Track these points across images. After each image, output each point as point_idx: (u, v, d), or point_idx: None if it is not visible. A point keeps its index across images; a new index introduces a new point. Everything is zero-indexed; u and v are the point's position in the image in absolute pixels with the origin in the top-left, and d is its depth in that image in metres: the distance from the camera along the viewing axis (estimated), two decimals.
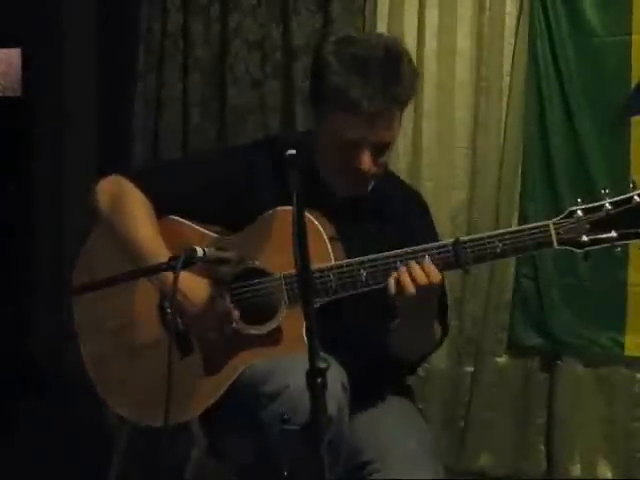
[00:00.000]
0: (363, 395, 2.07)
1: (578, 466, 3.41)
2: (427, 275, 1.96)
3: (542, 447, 3.47)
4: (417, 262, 1.97)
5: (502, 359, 3.48)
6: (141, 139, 3.73)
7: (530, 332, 3.42)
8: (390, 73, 2.01)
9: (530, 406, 3.47)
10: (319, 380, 1.56)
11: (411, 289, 1.95)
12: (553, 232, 1.94)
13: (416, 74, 2.08)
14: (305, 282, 1.66)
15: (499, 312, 3.46)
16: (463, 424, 3.53)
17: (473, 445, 3.50)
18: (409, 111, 3.45)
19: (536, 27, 3.33)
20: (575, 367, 3.40)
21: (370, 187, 2.19)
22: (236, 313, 2.09)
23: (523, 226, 1.99)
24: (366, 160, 2.05)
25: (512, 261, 3.40)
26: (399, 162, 3.49)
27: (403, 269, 1.97)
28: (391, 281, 1.97)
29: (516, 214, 3.41)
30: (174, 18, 3.68)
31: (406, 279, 1.96)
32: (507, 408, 3.49)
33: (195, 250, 1.95)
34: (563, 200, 3.27)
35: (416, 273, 1.96)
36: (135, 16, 3.71)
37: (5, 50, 4.27)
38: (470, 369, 3.51)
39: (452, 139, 3.50)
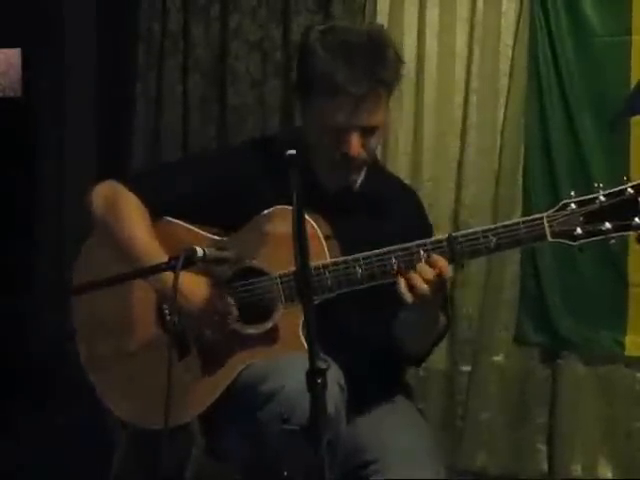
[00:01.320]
0: (363, 395, 2.07)
1: (579, 466, 3.41)
2: (436, 268, 1.95)
3: (542, 446, 3.47)
4: (421, 259, 1.97)
5: (500, 358, 3.48)
6: (141, 139, 3.73)
7: (533, 330, 3.42)
8: (374, 56, 2.03)
9: (530, 405, 3.47)
10: (319, 380, 1.56)
11: (426, 291, 1.95)
12: (547, 225, 1.94)
13: (400, 60, 2.11)
14: (304, 282, 1.66)
15: (498, 311, 3.46)
16: (462, 424, 3.52)
17: (472, 445, 3.49)
18: (409, 111, 3.47)
19: (536, 27, 3.33)
20: (576, 366, 3.40)
21: (361, 179, 2.19)
22: (234, 311, 2.10)
23: (516, 219, 1.98)
24: (355, 144, 2.06)
25: (510, 259, 3.40)
26: (399, 161, 3.49)
27: (412, 274, 1.96)
28: (403, 289, 1.96)
29: (517, 214, 3.40)
30: (174, 18, 3.68)
31: (418, 282, 1.95)
32: (507, 407, 3.49)
33: (195, 250, 1.95)
34: (563, 199, 3.26)
35: (425, 273, 1.95)
36: (135, 16, 3.71)
37: (5, 50, 4.27)
38: (469, 368, 3.51)
39: (452, 139, 3.49)
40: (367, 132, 2.08)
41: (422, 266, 1.96)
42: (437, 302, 2.03)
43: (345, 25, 2.13)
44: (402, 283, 1.97)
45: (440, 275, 1.95)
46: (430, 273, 1.95)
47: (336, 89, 2.01)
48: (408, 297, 1.96)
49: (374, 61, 2.03)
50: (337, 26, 2.10)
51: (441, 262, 1.96)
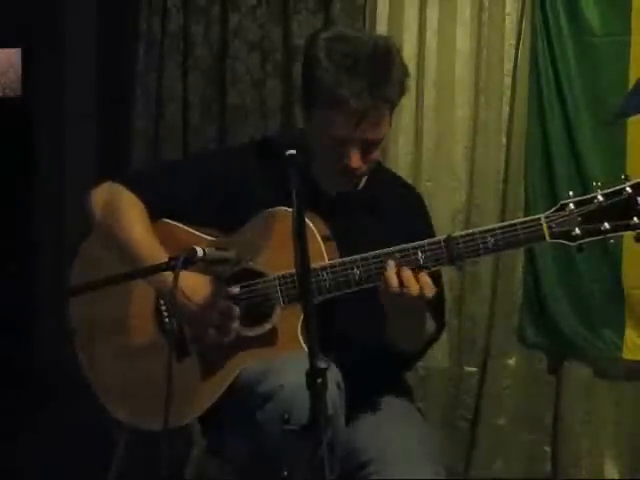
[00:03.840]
0: (362, 395, 2.07)
1: (585, 468, 3.41)
2: (420, 286, 1.95)
3: (548, 448, 3.47)
4: (412, 270, 1.97)
5: (511, 361, 3.48)
6: (141, 139, 3.73)
7: (534, 332, 3.42)
8: (379, 72, 2.01)
9: (536, 407, 3.47)
10: (319, 380, 1.57)
11: (400, 297, 1.95)
12: (545, 226, 1.94)
13: (406, 73, 2.09)
14: (304, 283, 1.66)
15: (508, 314, 3.45)
16: (464, 424, 3.52)
17: (481, 446, 3.49)
18: (409, 111, 3.46)
19: (536, 27, 3.33)
20: (581, 369, 3.40)
21: (362, 183, 2.19)
22: (236, 310, 2.10)
23: (515, 220, 1.98)
24: (355, 158, 2.06)
25: (520, 263, 3.41)
26: (399, 162, 3.49)
27: (392, 269, 1.96)
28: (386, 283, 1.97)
29: (520, 214, 3.40)
30: (174, 18, 3.68)
31: (395, 284, 1.96)
32: (515, 410, 3.49)
33: (195, 250, 1.95)
34: (562, 199, 3.26)
35: (409, 282, 1.95)
36: (135, 16, 3.71)
37: (5, 50, 4.27)
38: (471, 369, 3.51)
39: (452, 139, 3.49)
40: (368, 145, 2.07)
41: (408, 275, 1.96)
42: (413, 312, 2.02)
43: (351, 34, 2.08)
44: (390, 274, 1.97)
45: (421, 293, 1.95)
46: (413, 285, 1.95)
47: (339, 103, 2.00)
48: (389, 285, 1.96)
49: (378, 76, 2.01)
50: (343, 35, 2.07)
51: (424, 279, 1.96)
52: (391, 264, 1.97)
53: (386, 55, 2.04)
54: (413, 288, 1.95)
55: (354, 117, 2.01)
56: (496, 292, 3.46)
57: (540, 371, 3.47)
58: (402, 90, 2.08)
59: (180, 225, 2.19)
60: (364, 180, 2.22)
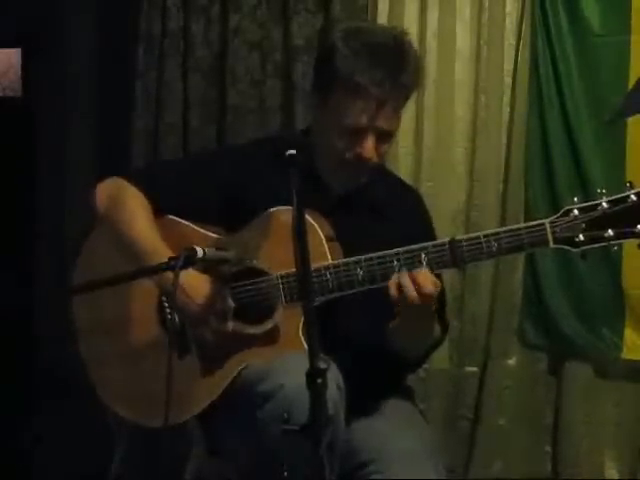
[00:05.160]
0: (362, 395, 2.07)
1: (584, 468, 3.41)
2: (430, 283, 1.97)
3: (549, 448, 3.47)
4: (417, 269, 1.98)
5: (512, 361, 3.48)
6: (141, 139, 3.73)
7: (534, 333, 3.42)
8: (398, 60, 2.05)
9: (536, 408, 3.47)
10: (319, 380, 1.57)
11: (413, 294, 1.96)
12: (549, 231, 1.95)
13: (421, 65, 2.13)
14: (304, 282, 1.67)
15: (508, 314, 3.45)
16: (464, 424, 3.52)
17: (481, 446, 3.49)
18: (409, 110, 3.46)
19: (535, 27, 3.33)
20: (582, 369, 3.41)
21: (365, 182, 2.19)
22: (231, 311, 2.10)
23: (519, 225, 1.99)
24: (369, 146, 2.08)
25: (521, 264, 3.40)
26: (399, 162, 3.49)
27: (405, 274, 1.97)
28: (392, 284, 1.98)
29: (520, 215, 3.40)
30: (174, 18, 3.68)
31: (408, 284, 1.96)
32: (515, 410, 3.49)
33: (195, 250, 1.96)
34: (562, 201, 3.27)
35: (419, 279, 1.96)
36: (135, 16, 3.71)
37: (5, 50, 4.26)
38: (472, 369, 3.51)
39: (452, 139, 3.50)
40: (382, 136, 2.09)
41: (417, 274, 1.97)
42: (426, 313, 2.03)
43: (370, 26, 2.18)
44: (393, 282, 1.98)
45: (431, 291, 1.97)
46: (422, 282, 1.96)
47: (358, 90, 2.03)
48: (394, 292, 1.97)
49: (397, 65, 2.05)
50: (362, 27, 2.14)
51: (431, 278, 1.98)
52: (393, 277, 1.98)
53: (402, 44, 2.09)
54: (410, 288, 1.96)
55: (372, 104, 2.04)
56: (496, 292, 3.47)
57: (540, 371, 3.48)
58: (418, 79, 2.11)
59: (184, 222, 2.19)
60: (365, 181, 2.22)
